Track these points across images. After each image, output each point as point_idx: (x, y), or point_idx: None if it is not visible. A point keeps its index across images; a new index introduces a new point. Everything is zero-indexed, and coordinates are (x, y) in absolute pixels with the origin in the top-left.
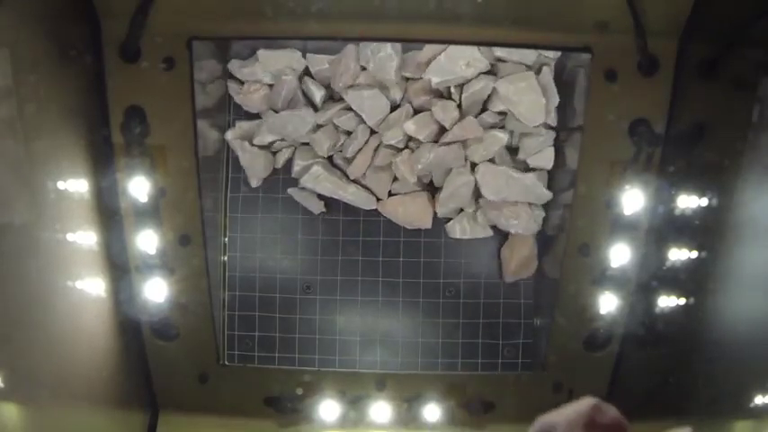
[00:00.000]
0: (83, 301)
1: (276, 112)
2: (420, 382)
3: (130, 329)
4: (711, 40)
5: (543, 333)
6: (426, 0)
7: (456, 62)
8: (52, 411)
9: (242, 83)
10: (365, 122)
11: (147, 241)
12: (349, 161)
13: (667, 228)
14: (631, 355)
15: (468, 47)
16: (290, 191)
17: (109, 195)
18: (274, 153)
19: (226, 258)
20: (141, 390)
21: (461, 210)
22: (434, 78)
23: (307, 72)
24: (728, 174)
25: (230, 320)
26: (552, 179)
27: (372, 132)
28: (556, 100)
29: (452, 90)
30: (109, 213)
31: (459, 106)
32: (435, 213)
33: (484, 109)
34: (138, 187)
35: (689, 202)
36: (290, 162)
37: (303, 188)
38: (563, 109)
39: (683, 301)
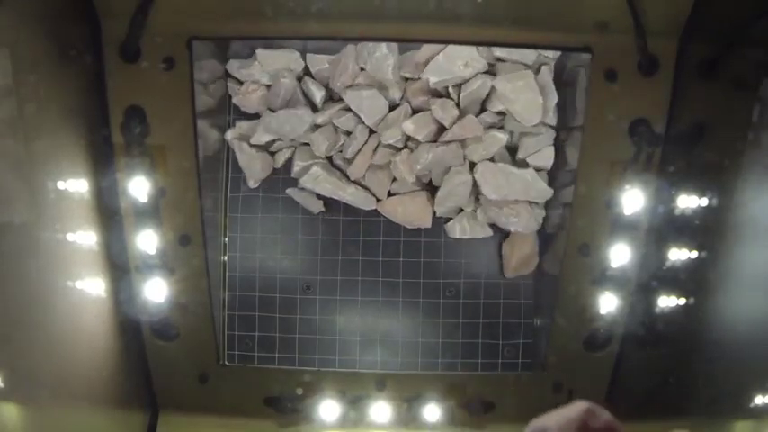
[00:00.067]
0: (83, 301)
1: (274, 112)
2: (420, 382)
3: (130, 329)
4: (711, 40)
5: (543, 333)
6: (426, 0)
7: (454, 62)
8: (52, 411)
9: (241, 83)
10: (364, 122)
11: (147, 241)
12: (349, 162)
13: (667, 228)
14: (631, 355)
15: (466, 47)
16: (289, 191)
17: (109, 195)
18: (274, 153)
19: (226, 258)
20: (141, 390)
21: (461, 209)
22: (432, 78)
23: (307, 72)
24: (728, 174)
25: (230, 320)
26: (552, 179)
27: (371, 132)
28: (554, 99)
29: (450, 90)
30: (109, 213)
31: (458, 106)
32: (435, 213)
33: (483, 109)
34: (138, 187)
35: (689, 202)
36: (289, 162)
37: (302, 188)
38: (563, 109)
39: (682, 301)
